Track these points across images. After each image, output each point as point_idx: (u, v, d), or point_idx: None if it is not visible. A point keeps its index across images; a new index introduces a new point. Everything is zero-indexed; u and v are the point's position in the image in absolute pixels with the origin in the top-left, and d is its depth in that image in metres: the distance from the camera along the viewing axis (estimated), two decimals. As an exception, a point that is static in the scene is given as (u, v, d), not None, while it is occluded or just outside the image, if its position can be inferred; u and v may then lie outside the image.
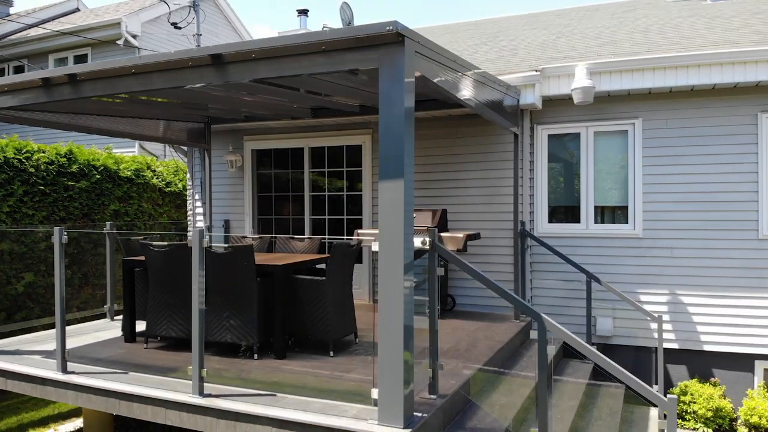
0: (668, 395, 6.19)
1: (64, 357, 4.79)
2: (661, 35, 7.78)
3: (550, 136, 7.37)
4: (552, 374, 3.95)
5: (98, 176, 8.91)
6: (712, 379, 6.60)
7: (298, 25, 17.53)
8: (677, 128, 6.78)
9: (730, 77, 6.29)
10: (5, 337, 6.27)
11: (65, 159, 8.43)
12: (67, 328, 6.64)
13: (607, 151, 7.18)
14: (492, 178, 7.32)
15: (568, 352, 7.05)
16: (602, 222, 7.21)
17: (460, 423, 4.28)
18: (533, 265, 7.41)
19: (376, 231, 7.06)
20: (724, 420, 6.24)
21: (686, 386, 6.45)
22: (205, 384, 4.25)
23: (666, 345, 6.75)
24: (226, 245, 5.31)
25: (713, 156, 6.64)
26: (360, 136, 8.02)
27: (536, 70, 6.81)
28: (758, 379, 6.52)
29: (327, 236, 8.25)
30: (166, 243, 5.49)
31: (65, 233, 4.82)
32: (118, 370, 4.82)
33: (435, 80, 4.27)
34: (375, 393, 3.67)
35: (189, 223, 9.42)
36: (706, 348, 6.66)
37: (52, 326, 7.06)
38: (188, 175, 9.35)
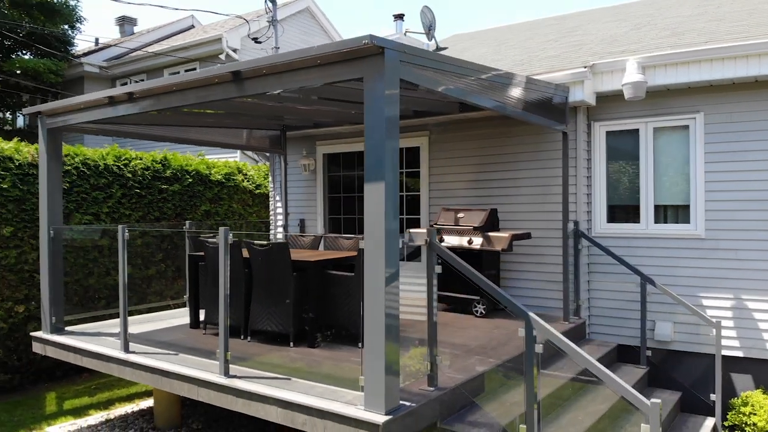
0: (721, 406, 5.87)
1: (126, 339, 5.52)
2: (734, 23, 7.25)
3: (608, 132, 7.16)
4: (539, 372, 3.95)
5: (190, 180, 9.88)
6: (781, 392, 6.12)
7: (394, 30, 18.07)
8: (742, 122, 6.33)
9: (797, 65, 5.80)
10: (101, 320, 7.24)
11: (160, 165, 9.46)
12: (149, 314, 7.56)
13: (667, 148, 6.85)
14: (543, 177, 7.25)
15: (622, 357, 6.84)
16: (665, 222, 6.90)
17: (461, 416, 4.42)
18: (591, 267, 7.23)
19: (424, 230, 7.29)
20: (790, 436, 5.78)
21: (747, 397, 6.03)
22: (231, 366, 4.75)
23: (730, 353, 6.35)
24: (265, 243, 5.81)
25: (783, 151, 6.15)
26: (417, 138, 8.25)
27: (585, 67, 6.67)
28: (836, 395, 5.95)
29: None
30: (215, 240, 6.09)
31: (127, 231, 5.55)
32: (170, 352, 5.48)
33: (439, 89, 4.45)
34: (362, 381, 3.94)
35: (271, 222, 10.16)
36: (775, 358, 6.18)
37: (140, 312, 8.06)
38: (270, 178, 10.09)
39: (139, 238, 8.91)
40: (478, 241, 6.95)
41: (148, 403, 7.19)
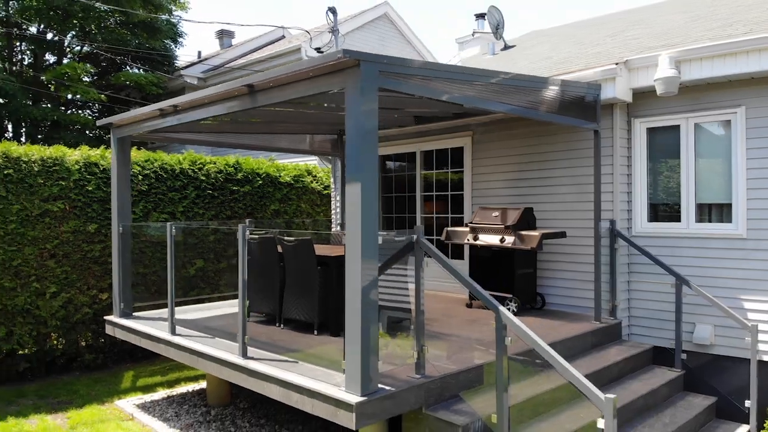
0: (756, 413, 5.65)
1: (172, 323, 6.25)
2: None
3: (649, 129, 7.00)
4: (507, 365, 4.08)
5: (261, 182, 10.68)
6: (828, 403, 5.73)
7: (476, 27, 18.17)
8: (785, 115, 5.99)
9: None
10: (181, 305, 8.10)
11: (233, 168, 10.32)
12: (216, 303, 8.36)
13: (708, 144, 6.60)
14: (579, 175, 7.21)
15: (659, 360, 6.68)
16: (709, 221, 6.65)
17: (449, 404, 4.65)
18: (631, 267, 7.10)
19: (464, 229, 7.52)
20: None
21: (785, 406, 5.72)
22: (249, 348, 5.29)
23: (771, 359, 6.03)
24: (293, 239, 6.30)
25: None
26: (461, 138, 8.45)
27: (615, 64, 6.58)
28: None
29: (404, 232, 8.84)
30: (257, 235, 6.70)
31: (174, 227, 6.27)
32: (208, 336, 6.14)
33: (440, 98, 4.72)
34: (344, 365, 4.31)
35: (332, 220, 10.74)
36: (822, 366, 5.80)
37: (211, 300, 8.90)
38: (331, 179, 10.67)
39: (212, 235, 9.79)
40: (510, 240, 7.06)
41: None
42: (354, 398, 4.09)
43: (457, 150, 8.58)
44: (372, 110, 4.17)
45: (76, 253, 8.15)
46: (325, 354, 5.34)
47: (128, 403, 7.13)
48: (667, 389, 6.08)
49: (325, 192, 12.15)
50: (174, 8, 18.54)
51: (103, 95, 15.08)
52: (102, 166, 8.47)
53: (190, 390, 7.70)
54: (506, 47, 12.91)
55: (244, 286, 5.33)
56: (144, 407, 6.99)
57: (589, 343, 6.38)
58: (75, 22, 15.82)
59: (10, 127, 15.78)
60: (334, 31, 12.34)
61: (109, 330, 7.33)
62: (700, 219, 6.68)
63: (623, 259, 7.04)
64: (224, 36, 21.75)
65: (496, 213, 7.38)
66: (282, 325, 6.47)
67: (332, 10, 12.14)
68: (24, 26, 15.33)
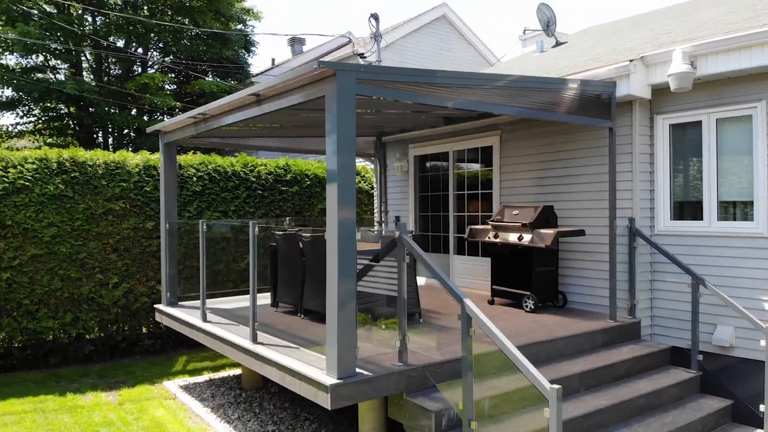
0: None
1: (204, 311, 6.88)
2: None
3: (672, 126, 6.88)
4: (472, 352, 4.27)
5: (309, 182, 11.26)
6: None
7: (530, 26, 18.03)
8: (806, 109, 5.75)
9: None
10: (218, 297, 8.82)
11: (282, 170, 10.96)
12: (244, 295, 8.94)
13: (730, 140, 6.41)
14: (598, 173, 7.18)
15: (677, 360, 6.56)
16: (734, 219, 6.46)
17: (430, 392, 4.89)
18: (654, 266, 7.01)
19: (486, 227, 7.70)
20: None
21: (800, 411, 5.50)
22: (261, 334, 5.79)
23: (792, 362, 5.80)
24: (309, 234, 6.74)
25: None
26: (490, 137, 8.59)
27: (630, 60, 6.53)
28: None
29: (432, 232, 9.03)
30: (281, 232, 7.21)
31: (205, 225, 6.89)
32: (233, 323, 6.71)
33: (420, 101, 5.01)
34: (326, 350, 4.69)
35: (375, 218, 11.15)
36: None
37: (261, 291, 9.55)
38: (375, 179, 11.08)
39: (262, 232, 10.46)
40: (528, 238, 7.17)
41: (247, 369, 8.61)
42: (330, 380, 4.46)
43: (487, 149, 8.73)
44: (349, 116, 4.52)
45: (136, 247, 9.04)
46: (325, 341, 5.73)
47: (174, 384, 7.86)
48: (678, 390, 5.99)
49: (372, 191, 12.57)
50: (248, 18, 19.61)
51: (178, 103, 16.29)
52: (159, 168, 9.32)
53: (230, 375, 8.36)
54: (557, 44, 12.78)
55: (254, 278, 5.85)
56: (186, 388, 7.69)
57: (600, 341, 6.39)
58: (153, 35, 17.22)
59: (100, 134, 17.39)
60: (375, 36, 12.74)
61: (158, 317, 8.11)
62: (723, 217, 6.50)
63: (645, 258, 6.96)
64: (296, 43, 22.73)
65: (517, 211, 7.49)
66: (302, 315, 6.95)
67: (374, 17, 12.53)
68: (109, 42, 16.86)
